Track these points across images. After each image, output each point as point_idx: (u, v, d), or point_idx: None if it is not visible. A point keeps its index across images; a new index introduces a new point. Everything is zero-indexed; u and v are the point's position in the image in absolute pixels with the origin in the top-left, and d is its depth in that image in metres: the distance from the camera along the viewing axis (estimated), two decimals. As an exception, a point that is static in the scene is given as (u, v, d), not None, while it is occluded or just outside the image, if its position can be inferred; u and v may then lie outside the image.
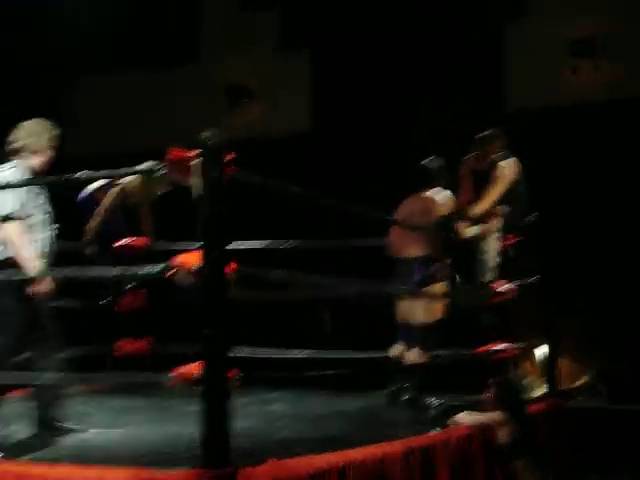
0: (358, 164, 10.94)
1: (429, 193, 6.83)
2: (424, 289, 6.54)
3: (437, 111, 10.33)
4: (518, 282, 6.80)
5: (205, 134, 3.72)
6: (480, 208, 6.77)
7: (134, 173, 7.08)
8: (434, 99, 10.68)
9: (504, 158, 6.96)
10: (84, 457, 4.13)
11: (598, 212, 9.90)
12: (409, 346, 6.49)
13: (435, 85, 10.86)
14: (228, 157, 3.78)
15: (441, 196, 6.81)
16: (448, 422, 5.43)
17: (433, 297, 6.57)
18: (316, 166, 11.14)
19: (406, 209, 6.78)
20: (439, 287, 6.61)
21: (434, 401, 6.34)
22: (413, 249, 6.66)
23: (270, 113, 12.06)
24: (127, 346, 7.14)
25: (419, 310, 6.56)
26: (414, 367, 6.41)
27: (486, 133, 7.09)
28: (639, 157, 9.89)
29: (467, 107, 10.22)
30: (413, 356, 6.46)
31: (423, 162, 6.93)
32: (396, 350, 6.65)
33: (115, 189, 7.42)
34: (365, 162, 10.85)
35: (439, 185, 6.89)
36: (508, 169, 6.89)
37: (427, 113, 10.43)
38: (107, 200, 7.38)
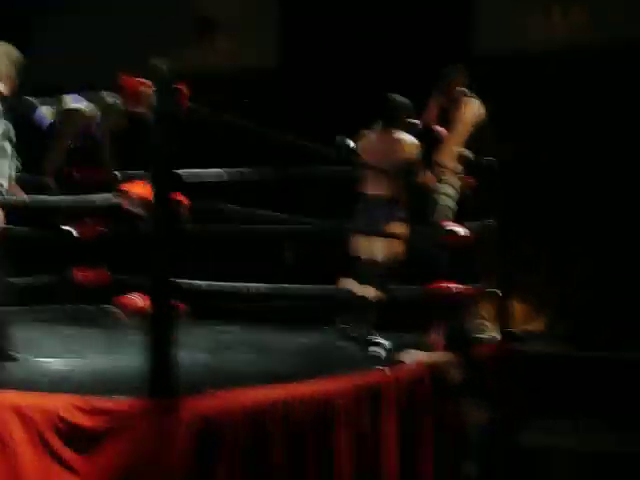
0: (325, 102, 10.89)
1: (399, 135, 6.77)
2: (385, 228, 6.53)
3: (405, 52, 10.27)
4: (475, 224, 6.85)
5: (159, 63, 3.69)
6: (446, 155, 6.72)
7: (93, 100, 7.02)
8: (403, 39, 10.62)
9: (467, 99, 6.93)
10: (29, 384, 4.12)
11: (562, 155, 9.94)
12: (363, 283, 6.50)
13: (404, 24, 10.78)
14: (182, 88, 3.76)
15: (408, 139, 6.75)
16: (399, 359, 5.45)
17: (393, 236, 6.57)
18: (283, 103, 11.08)
19: (373, 147, 6.70)
20: (399, 227, 6.61)
21: (383, 340, 6.40)
22: (377, 188, 6.65)
23: (237, 47, 11.95)
24: (84, 275, 7.14)
25: (378, 248, 6.57)
26: (368, 304, 6.42)
27: (449, 68, 7.06)
28: (606, 103, 9.90)
29: (436, 49, 10.18)
30: (368, 293, 6.47)
31: (391, 98, 6.82)
32: (348, 285, 6.65)
33: (73, 116, 7.34)
34: (332, 100, 10.79)
35: (405, 126, 6.83)
36: (470, 111, 6.86)
37: (395, 54, 10.38)
38: (65, 128, 7.30)
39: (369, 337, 6.38)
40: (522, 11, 10.47)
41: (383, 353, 5.96)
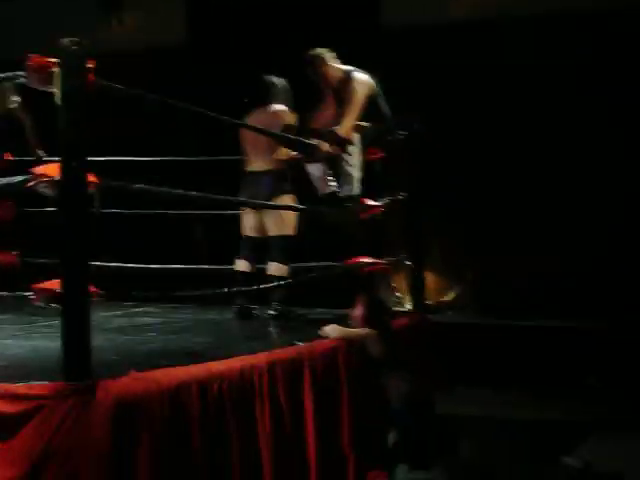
0: (230, 79, 10.84)
1: (275, 107, 6.73)
2: (274, 201, 6.53)
3: (316, 24, 10.26)
4: (387, 198, 6.88)
5: (66, 40, 3.63)
6: (345, 128, 6.72)
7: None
8: (308, 16, 10.62)
9: (354, 74, 6.89)
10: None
11: (469, 126, 10.05)
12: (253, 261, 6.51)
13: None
14: (90, 65, 3.71)
15: (285, 109, 6.73)
16: (318, 333, 5.47)
17: (284, 209, 6.55)
18: (189, 80, 11.00)
19: (254, 121, 6.68)
20: (288, 199, 6.59)
21: (294, 314, 6.43)
22: (262, 162, 6.65)
23: (143, 24, 11.83)
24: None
25: (272, 223, 6.56)
26: (275, 280, 6.42)
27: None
28: (513, 76, 10.01)
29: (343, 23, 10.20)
30: (273, 269, 6.48)
31: (267, 77, 6.81)
32: (241, 265, 6.65)
33: None
34: (236, 77, 10.75)
35: (281, 101, 6.82)
36: (361, 85, 6.83)
37: (300, 31, 10.36)
38: None
39: (282, 313, 6.41)
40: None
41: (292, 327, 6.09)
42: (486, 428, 7.12)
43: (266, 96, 6.74)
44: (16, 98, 7.30)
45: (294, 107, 6.81)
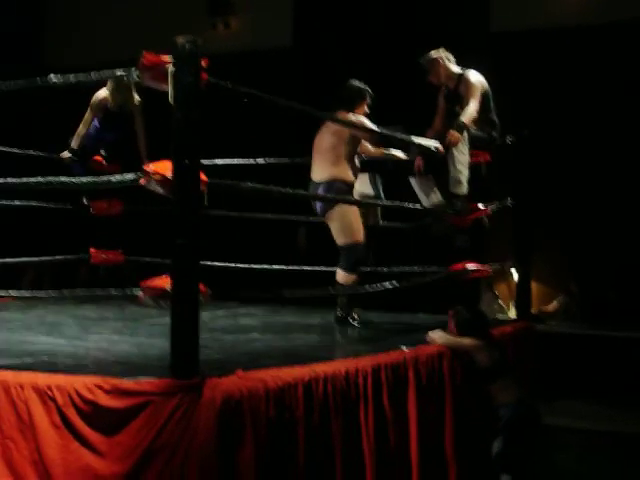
0: (340, 81, 10.83)
1: (350, 116, 6.40)
2: (328, 213, 6.32)
3: (421, 32, 10.21)
4: (493, 203, 6.79)
5: (180, 39, 3.65)
6: (467, 117, 6.64)
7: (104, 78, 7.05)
8: (418, 19, 10.58)
9: (466, 71, 6.83)
10: (51, 366, 4.10)
11: (580, 136, 9.90)
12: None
13: (420, 5, 10.74)
14: (203, 64, 3.72)
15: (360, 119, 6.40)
16: (425, 339, 5.41)
17: (344, 217, 6.31)
18: (295, 83, 11.04)
19: (330, 127, 6.40)
20: (347, 210, 6.32)
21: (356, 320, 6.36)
22: (321, 171, 6.36)
23: (251, 27, 11.91)
24: (101, 256, 7.14)
25: (336, 232, 6.33)
26: (341, 287, 6.33)
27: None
28: (621, 82, 9.84)
29: (452, 28, 10.12)
30: (339, 277, 6.36)
31: (348, 84, 6.59)
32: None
33: (92, 100, 7.44)
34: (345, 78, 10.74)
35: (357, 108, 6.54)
36: (478, 82, 6.77)
37: (411, 34, 10.32)
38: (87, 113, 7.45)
39: (347, 319, 6.34)
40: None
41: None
42: (586, 441, 6.98)
43: (344, 101, 6.50)
44: (138, 97, 7.43)
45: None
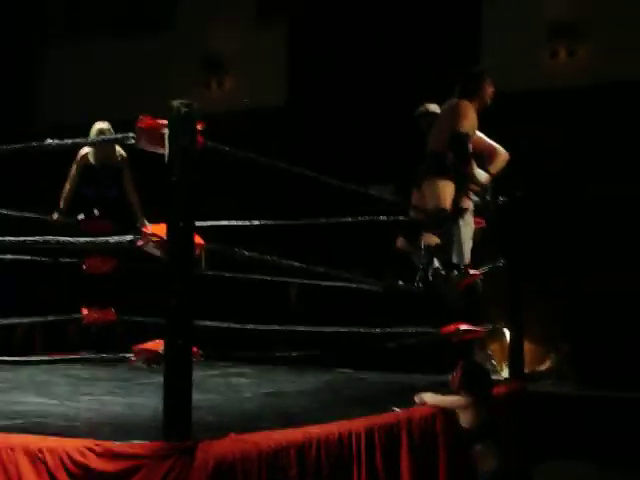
0: (332, 140, 10.92)
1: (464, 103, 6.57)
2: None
3: (411, 92, 10.28)
4: (486, 265, 6.80)
5: (176, 102, 3.68)
6: (494, 170, 6.71)
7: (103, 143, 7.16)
8: (410, 73, 10.66)
9: None
10: (41, 427, 4.08)
11: (569, 196, 9.95)
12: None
13: (411, 60, 10.83)
14: (199, 126, 3.75)
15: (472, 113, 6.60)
16: (414, 400, 5.37)
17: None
18: (291, 141, 11.11)
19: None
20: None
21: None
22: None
23: (245, 86, 11.99)
24: (93, 315, 7.11)
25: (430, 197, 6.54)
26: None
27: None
28: (616, 144, 9.92)
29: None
30: (428, 239, 6.47)
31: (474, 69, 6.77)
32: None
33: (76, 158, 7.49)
34: (339, 138, 10.83)
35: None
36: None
37: (401, 94, 10.39)
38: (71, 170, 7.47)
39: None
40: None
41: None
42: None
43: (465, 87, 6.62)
44: (123, 152, 7.47)
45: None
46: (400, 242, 7.18)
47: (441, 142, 6.52)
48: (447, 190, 6.48)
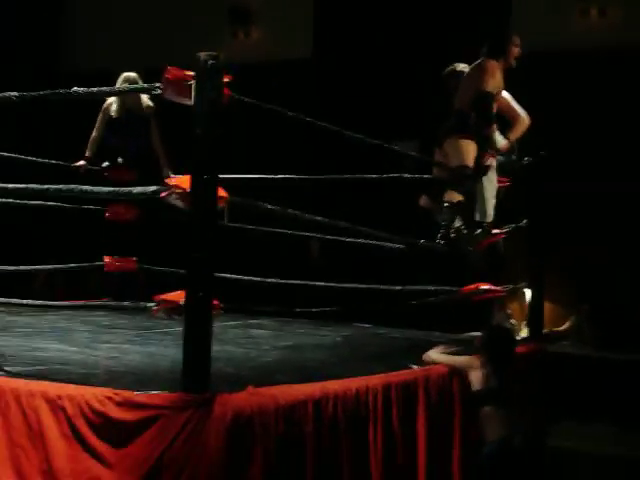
0: (358, 94, 10.86)
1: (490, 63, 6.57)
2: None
3: (440, 49, 10.20)
4: (509, 225, 6.77)
5: (203, 54, 3.66)
6: (514, 135, 6.68)
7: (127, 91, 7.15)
8: (441, 30, 10.58)
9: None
10: (61, 375, 4.10)
11: (593, 158, 9.88)
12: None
13: (440, 19, 10.74)
14: (226, 79, 3.73)
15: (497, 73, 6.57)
16: (423, 358, 5.33)
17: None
18: (316, 94, 11.05)
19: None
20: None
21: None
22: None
23: (271, 37, 11.93)
24: (115, 264, 7.12)
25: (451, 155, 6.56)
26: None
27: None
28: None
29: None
30: (451, 196, 6.50)
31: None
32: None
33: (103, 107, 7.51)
34: (365, 92, 10.76)
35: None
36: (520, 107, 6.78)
37: (429, 49, 10.32)
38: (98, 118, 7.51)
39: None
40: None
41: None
42: (595, 464, 6.93)
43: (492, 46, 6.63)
44: (150, 103, 7.46)
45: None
46: (423, 200, 7.15)
47: (466, 101, 6.50)
48: (469, 148, 6.47)
